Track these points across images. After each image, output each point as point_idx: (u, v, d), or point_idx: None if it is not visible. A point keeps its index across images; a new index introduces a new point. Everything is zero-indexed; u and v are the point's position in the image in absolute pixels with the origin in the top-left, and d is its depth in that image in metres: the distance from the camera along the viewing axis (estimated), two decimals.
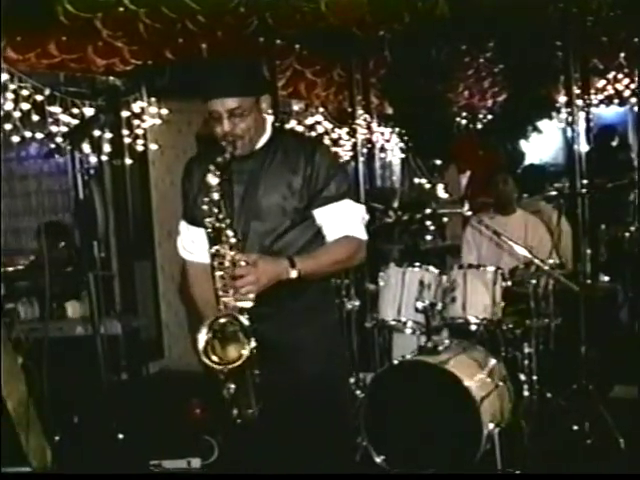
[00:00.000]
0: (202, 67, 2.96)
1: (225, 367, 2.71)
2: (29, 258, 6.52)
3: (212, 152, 2.90)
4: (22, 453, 4.03)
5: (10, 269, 6.25)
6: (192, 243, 3.12)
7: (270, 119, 3.03)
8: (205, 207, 2.75)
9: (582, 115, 6.27)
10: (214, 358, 2.73)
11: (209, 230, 2.76)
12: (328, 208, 2.94)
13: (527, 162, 8.19)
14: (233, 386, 2.78)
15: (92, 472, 4.21)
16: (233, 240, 2.75)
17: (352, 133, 7.48)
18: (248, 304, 2.72)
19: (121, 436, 4.46)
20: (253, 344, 2.68)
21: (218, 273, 2.75)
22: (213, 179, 2.73)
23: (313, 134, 8.32)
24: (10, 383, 4.08)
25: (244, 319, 2.70)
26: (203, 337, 2.72)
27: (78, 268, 5.76)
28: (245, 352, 2.68)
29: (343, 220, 2.95)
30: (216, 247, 2.75)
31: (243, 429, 2.87)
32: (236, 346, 2.72)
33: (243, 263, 2.70)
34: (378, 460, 4.41)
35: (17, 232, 7.94)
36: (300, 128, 8.58)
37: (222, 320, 2.73)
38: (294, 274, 2.78)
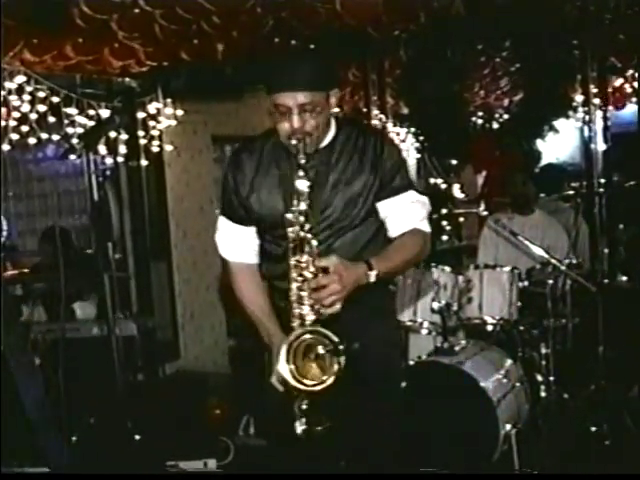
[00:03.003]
0: (275, 59, 2.75)
1: (315, 388, 2.48)
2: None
3: (263, 144, 2.81)
4: (39, 454, 4.04)
5: (27, 270, 6.28)
6: (238, 243, 2.97)
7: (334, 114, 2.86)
8: (290, 216, 2.58)
9: (599, 114, 6.24)
10: (307, 382, 2.49)
11: (291, 241, 2.58)
12: (393, 200, 2.83)
13: (544, 162, 8.15)
14: (306, 402, 2.59)
15: (108, 472, 4.22)
16: (316, 250, 2.58)
17: None
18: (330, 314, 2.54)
19: (137, 437, 4.48)
20: (342, 361, 2.46)
21: (295, 284, 2.57)
22: (302, 184, 2.58)
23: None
24: (27, 384, 4.09)
25: (333, 335, 2.48)
26: (284, 366, 2.48)
27: (83, 269, 5.78)
28: (334, 369, 2.46)
29: (409, 212, 2.85)
30: (297, 257, 2.58)
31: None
32: (323, 364, 2.50)
33: (331, 269, 2.52)
34: None
35: (34, 233, 7.96)
36: None
37: (306, 337, 2.51)
38: (373, 277, 2.64)
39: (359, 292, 2.63)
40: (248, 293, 2.96)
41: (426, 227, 2.90)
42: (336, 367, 2.46)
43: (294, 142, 2.65)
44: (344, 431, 2.75)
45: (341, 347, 2.47)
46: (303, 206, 2.57)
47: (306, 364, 2.52)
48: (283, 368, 2.49)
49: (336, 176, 2.80)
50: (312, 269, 2.56)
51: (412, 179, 2.89)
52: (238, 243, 2.98)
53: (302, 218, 2.57)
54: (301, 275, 2.57)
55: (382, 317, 2.95)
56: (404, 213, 2.85)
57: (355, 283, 2.59)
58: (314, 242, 2.59)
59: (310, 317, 2.56)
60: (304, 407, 2.59)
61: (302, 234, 2.57)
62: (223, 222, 3.01)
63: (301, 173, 2.58)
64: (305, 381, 2.49)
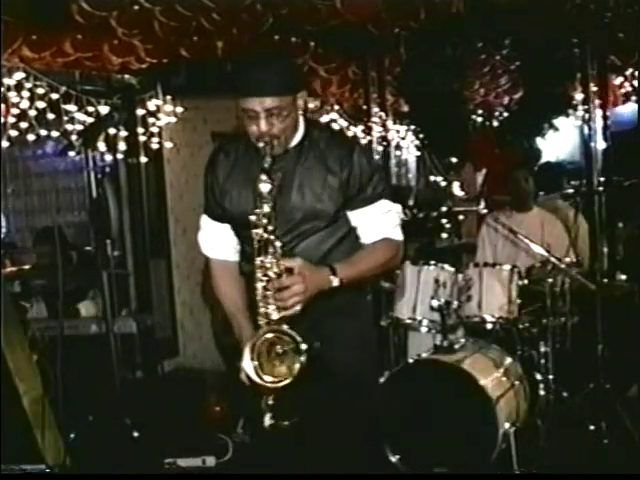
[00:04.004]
0: (240, 64, 2.78)
1: (276, 385, 2.57)
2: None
3: (239, 145, 2.83)
4: (37, 451, 4.04)
5: (26, 267, 6.27)
6: (217, 240, 3.02)
7: (302, 116, 2.88)
8: (253, 218, 2.62)
9: (599, 112, 6.23)
10: (267, 378, 2.58)
11: (256, 242, 2.62)
12: (365, 210, 2.85)
13: (544, 160, 8.14)
14: (272, 397, 2.66)
15: (107, 469, 4.22)
16: (280, 251, 2.62)
17: (367, 131, 7.46)
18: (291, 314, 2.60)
19: (136, 434, 4.49)
20: (304, 360, 2.52)
21: (260, 284, 2.62)
22: (265, 186, 2.60)
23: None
24: (26, 381, 4.10)
25: (294, 334, 2.55)
26: (248, 363, 2.57)
27: (82, 267, 5.78)
28: (296, 367, 2.53)
29: (380, 222, 2.86)
30: (260, 258, 2.62)
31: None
32: (285, 361, 2.57)
33: (295, 270, 2.58)
34: (393, 460, 4.39)
35: (33, 230, 7.95)
36: None
37: (269, 336, 2.59)
38: (336, 282, 2.69)
39: (331, 290, 2.69)
40: (224, 289, 3.00)
41: (398, 235, 2.92)
42: (298, 366, 2.53)
43: (261, 145, 2.70)
44: (311, 427, 2.82)
45: (303, 346, 2.52)
46: (266, 209, 2.61)
47: (270, 362, 2.59)
48: (247, 365, 2.58)
49: (302, 178, 2.82)
50: (276, 270, 2.61)
51: (384, 187, 2.88)
52: (217, 241, 3.03)
53: (265, 220, 2.61)
54: (266, 275, 2.62)
55: (353, 315, 2.95)
56: (375, 223, 2.87)
57: (318, 287, 2.65)
58: (278, 244, 2.63)
59: (275, 316, 2.61)
60: (270, 402, 2.67)
61: (265, 236, 2.62)
62: (204, 220, 3.07)
63: (264, 177, 2.62)
64: (266, 378, 2.57)
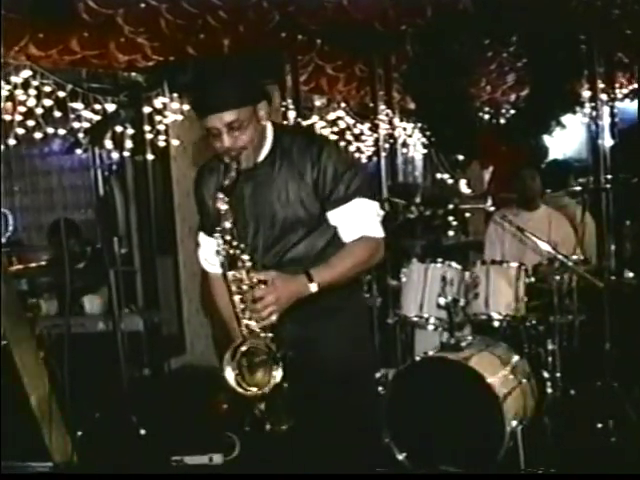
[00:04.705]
0: (195, 84, 2.82)
1: (257, 392, 2.66)
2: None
3: (220, 164, 2.84)
4: (44, 449, 4.05)
5: (33, 265, 6.28)
6: (213, 255, 2.98)
7: (270, 125, 2.89)
8: (217, 235, 2.67)
9: (606, 110, 6.21)
10: (250, 388, 2.66)
11: (222, 257, 2.68)
12: (340, 210, 2.84)
13: (551, 157, 8.13)
14: (263, 405, 2.75)
15: (114, 467, 4.23)
16: (249, 264, 2.67)
17: (374, 128, 7.47)
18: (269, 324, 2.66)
19: (143, 432, 4.49)
20: (281, 370, 2.62)
21: (237, 297, 2.68)
22: (223, 205, 2.65)
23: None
24: (33, 379, 4.10)
25: (271, 344, 2.65)
26: (230, 373, 2.64)
27: (92, 263, 5.78)
28: (275, 375, 2.62)
29: (357, 220, 2.86)
30: (232, 272, 2.67)
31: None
32: (265, 370, 2.66)
33: (262, 286, 2.63)
34: (400, 457, 4.39)
35: (40, 228, 7.97)
36: (322, 123, 8.57)
37: (245, 348, 2.66)
38: (314, 288, 2.71)
39: (322, 293, 2.73)
40: (222, 301, 2.98)
41: (377, 233, 2.90)
42: (275, 374, 2.63)
43: (227, 160, 2.74)
44: (311, 425, 2.86)
45: (278, 356, 2.63)
46: (227, 225, 2.65)
47: (250, 370, 2.68)
48: (228, 374, 2.65)
49: (280, 187, 2.84)
50: (247, 282, 2.66)
51: (359, 185, 2.86)
52: (212, 255, 2.99)
53: (228, 236, 2.66)
54: (240, 288, 2.67)
55: (346, 312, 2.96)
56: (352, 222, 2.86)
57: (294, 295, 2.69)
58: (245, 257, 2.67)
59: (254, 326, 2.67)
60: (262, 408, 2.76)
61: (232, 251, 2.66)
62: (200, 236, 3.14)
63: (221, 195, 2.65)
64: (247, 387, 2.66)
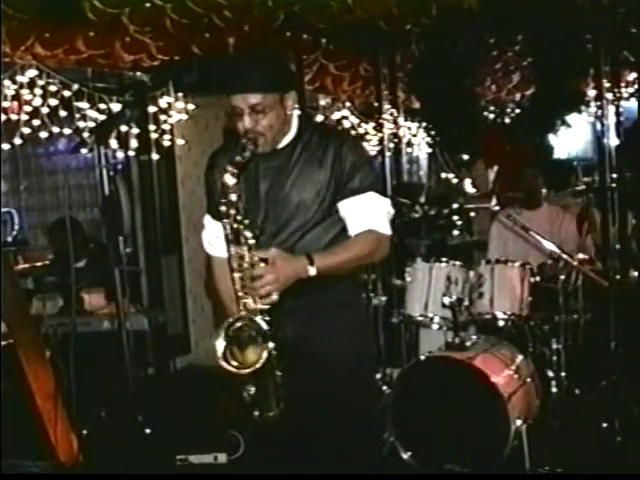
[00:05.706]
0: (227, 61, 2.87)
1: (244, 371, 2.68)
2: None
3: (237, 146, 2.84)
4: (50, 448, 4.06)
5: (39, 264, 6.28)
6: (217, 238, 3.04)
7: (296, 115, 2.95)
8: (223, 208, 2.68)
9: (612, 109, 6.21)
10: (234, 363, 2.69)
11: (227, 232, 2.70)
12: (351, 200, 2.88)
13: (556, 156, 8.13)
14: (252, 388, 2.77)
15: (119, 466, 4.23)
16: (252, 241, 2.69)
17: (379, 128, 7.47)
18: (268, 304, 2.68)
19: (148, 431, 4.49)
20: (271, 347, 2.64)
21: (237, 275, 2.70)
22: (230, 179, 2.66)
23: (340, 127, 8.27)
24: (39, 378, 4.11)
25: (261, 322, 2.66)
26: (221, 343, 2.69)
27: (93, 262, 5.79)
28: (263, 355, 2.63)
29: (366, 213, 2.88)
30: (234, 248, 2.69)
31: (268, 426, 2.85)
32: (254, 349, 2.68)
33: (262, 264, 2.66)
34: (405, 456, 4.39)
35: (46, 227, 7.98)
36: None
37: (238, 324, 2.69)
38: (313, 272, 2.74)
39: (322, 282, 2.76)
40: (223, 284, 3.00)
41: (384, 229, 2.92)
42: (265, 353, 2.62)
43: (244, 141, 2.75)
44: (303, 412, 2.88)
45: (269, 334, 2.63)
46: (233, 197, 2.65)
47: (242, 349, 2.70)
48: (219, 345, 2.69)
49: (295, 176, 2.88)
50: (248, 260, 2.67)
51: (373, 181, 2.92)
52: (216, 238, 3.05)
53: (233, 210, 2.66)
54: (241, 265, 2.68)
55: (346, 308, 2.97)
56: (361, 214, 2.89)
57: (294, 276, 2.71)
58: (248, 234, 2.68)
59: (253, 305, 2.69)
60: (252, 393, 2.78)
61: (235, 225, 2.67)
62: (206, 218, 3.15)
63: (230, 168, 2.67)
64: (234, 363, 2.68)
